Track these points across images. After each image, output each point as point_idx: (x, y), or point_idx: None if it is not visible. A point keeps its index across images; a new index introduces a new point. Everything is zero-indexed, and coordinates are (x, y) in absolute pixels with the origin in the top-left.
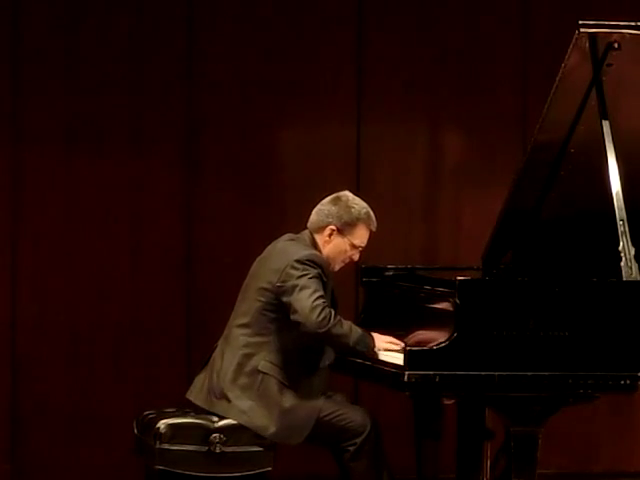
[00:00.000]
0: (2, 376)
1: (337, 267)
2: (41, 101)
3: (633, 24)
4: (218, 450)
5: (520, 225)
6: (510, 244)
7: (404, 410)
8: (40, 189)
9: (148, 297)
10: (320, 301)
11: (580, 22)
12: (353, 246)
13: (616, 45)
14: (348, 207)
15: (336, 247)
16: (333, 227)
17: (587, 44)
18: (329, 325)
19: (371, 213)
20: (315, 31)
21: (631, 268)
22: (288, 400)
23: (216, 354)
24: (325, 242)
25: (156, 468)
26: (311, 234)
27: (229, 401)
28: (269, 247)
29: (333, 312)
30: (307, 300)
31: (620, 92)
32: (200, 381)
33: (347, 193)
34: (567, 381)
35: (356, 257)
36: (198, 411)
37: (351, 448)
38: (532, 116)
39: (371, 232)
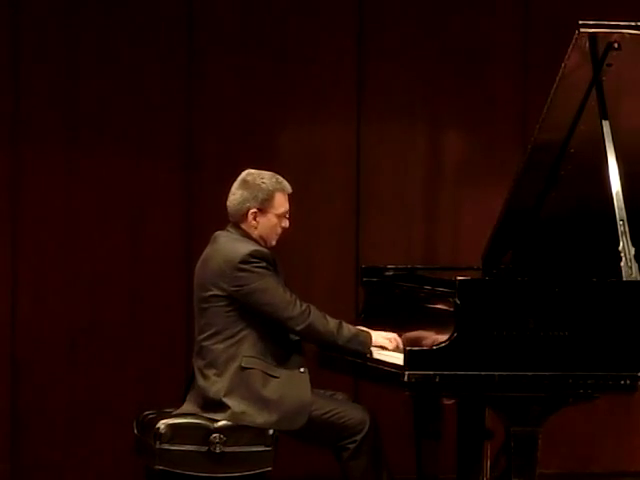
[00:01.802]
0: (2, 376)
1: (274, 241)
2: (41, 101)
3: (633, 24)
4: (218, 450)
5: (520, 225)
6: (510, 244)
7: (404, 410)
8: (40, 189)
9: (148, 297)
10: (287, 295)
11: (580, 22)
12: (279, 216)
13: (616, 45)
14: (257, 184)
15: (265, 226)
16: (254, 210)
17: (587, 44)
18: (308, 320)
19: (280, 178)
20: (315, 31)
21: (631, 268)
22: (277, 388)
23: (197, 373)
24: (252, 226)
25: (156, 468)
26: (236, 225)
27: (226, 408)
28: (205, 250)
29: (313, 308)
30: (274, 301)
31: (620, 92)
32: (192, 400)
33: (251, 171)
34: (567, 381)
35: (286, 224)
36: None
37: (350, 446)
38: (532, 116)
39: (289, 195)
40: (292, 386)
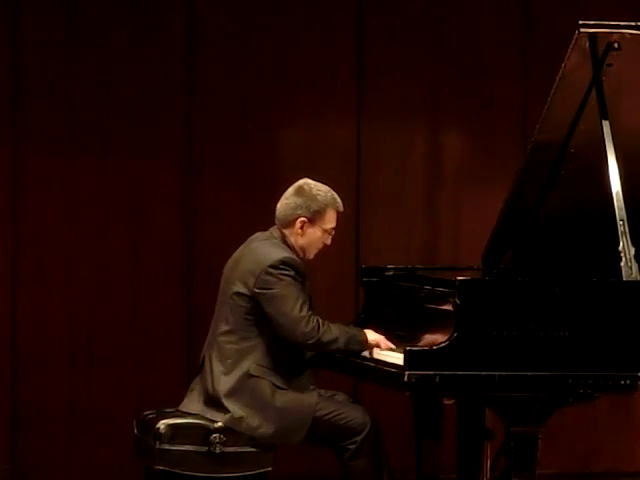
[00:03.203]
0: (2, 376)
1: (312, 255)
2: (41, 101)
3: (633, 24)
4: (218, 450)
5: (520, 225)
6: (510, 244)
7: (404, 410)
8: (40, 189)
9: (148, 297)
10: (304, 311)
11: (580, 22)
12: (325, 231)
13: (616, 45)
14: (313, 195)
15: (310, 237)
16: (303, 219)
17: (587, 44)
18: (319, 334)
19: (335, 195)
20: (315, 31)
21: (631, 268)
22: (281, 400)
23: (205, 364)
24: (297, 235)
25: (156, 468)
26: (280, 230)
27: (225, 411)
28: (240, 248)
29: (320, 320)
30: (290, 313)
31: (620, 92)
32: (195, 392)
33: (308, 181)
34: (567, 381)
35: (329, 241)
36: None
37: (351, 447)
38: (532, 116)
39: (338, 213)
40: (297, 402)
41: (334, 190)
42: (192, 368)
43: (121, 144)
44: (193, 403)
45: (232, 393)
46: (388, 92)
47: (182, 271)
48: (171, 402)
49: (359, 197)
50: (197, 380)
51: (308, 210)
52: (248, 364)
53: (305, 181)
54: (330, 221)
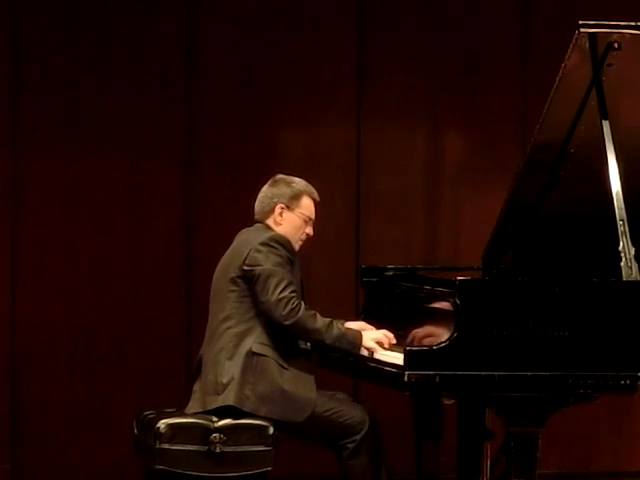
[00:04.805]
0: (2, 376)
1: (296, 246)
2: (41, 101)
3: (633, 24)
4: (218, 450)
5: (520, 225)
6: (510, 244)
7: (404, 410)
8: (40, 189)
9: (148, 297)
10: (286, 292)
11: (580, 22)
12: (305, 219)
13: (616, 45)
14: (287, 183)
15: (290, 224)
16: (281, 205)
17: (587, 44)
18: (296, 317)
19: (310, 185)
20: (315, 31)
21: (631, 268)
22: (287, 379)
23: (206, 358)
24: (277, 223)
25: (156, 468)
26: (261, 223)
27: (229, 391)
28: (231, 246)
29: (302, 305)
30: (272, 293)
31: (620, 92)
32: (198, 392)
33: (281, 175)
34: (567, 381)
35: (311, 232)
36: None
37: (350, 446)
38: (532, 116)
39: (316, 203)
40: (300, 380)
41: (334, 191)
42: (192, 368)
43: (121, 144)
44: (198, 402)
45: (238, 374)
46: (388, 92)
47: (182, 271)
48: (171, 402)
49: (359, 197)
50: (197, 381)
51: (284, 197)
52: (250, 343)
53: (279, 175)
54: (307, 207)
